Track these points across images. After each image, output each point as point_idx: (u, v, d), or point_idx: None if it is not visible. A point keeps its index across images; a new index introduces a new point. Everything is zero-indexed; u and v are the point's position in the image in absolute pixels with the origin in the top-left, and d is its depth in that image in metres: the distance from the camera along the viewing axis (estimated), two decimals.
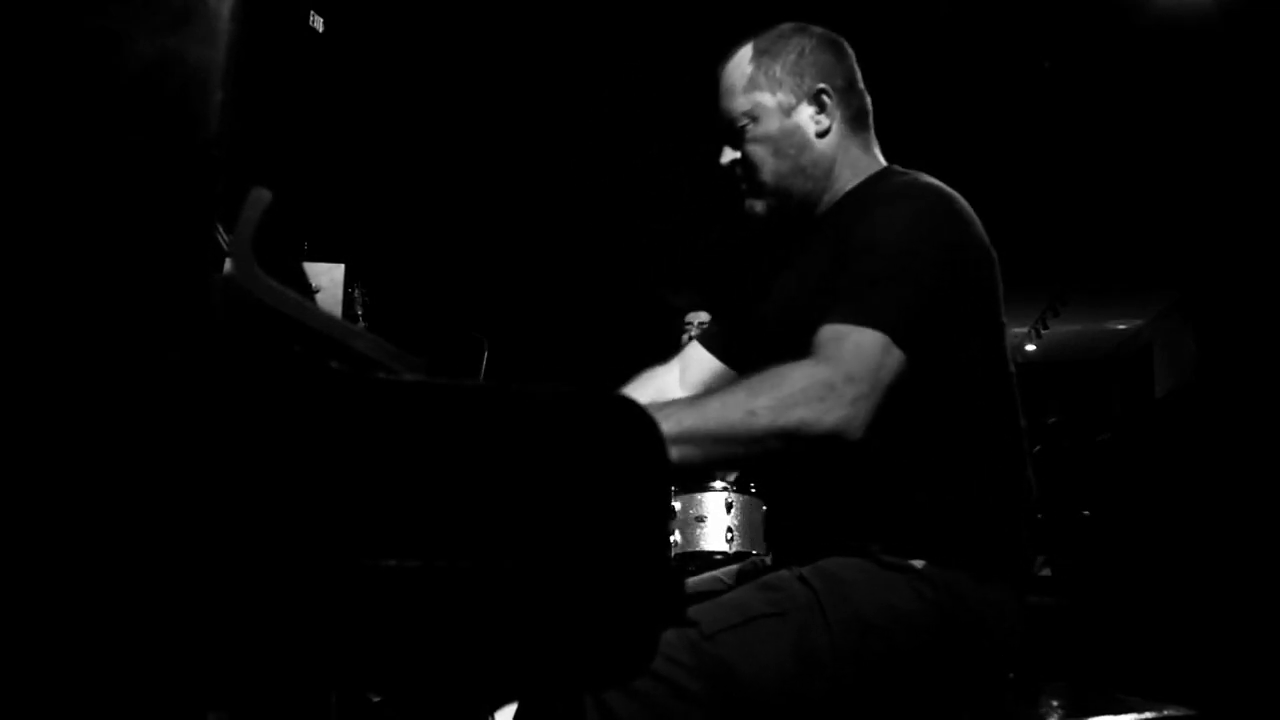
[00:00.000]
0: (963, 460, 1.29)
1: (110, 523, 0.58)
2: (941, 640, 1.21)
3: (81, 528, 0.58)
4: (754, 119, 1.42)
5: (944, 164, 1.41)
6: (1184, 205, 5.99)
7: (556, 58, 4.36)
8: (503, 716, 1.86)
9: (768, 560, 1.57)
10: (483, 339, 2.48)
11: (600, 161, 5.27)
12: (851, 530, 1.28)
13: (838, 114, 1.44)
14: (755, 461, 1.15)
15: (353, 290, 2.02)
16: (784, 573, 1.25)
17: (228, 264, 0.82)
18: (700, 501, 2.91)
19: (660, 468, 0.71)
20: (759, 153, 1.42)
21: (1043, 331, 8.63)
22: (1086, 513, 4.77)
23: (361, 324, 2.02)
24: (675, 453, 1.05)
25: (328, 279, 1.96)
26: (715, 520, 2.89)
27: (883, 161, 1.48)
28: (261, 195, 0.81)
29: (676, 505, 2.91)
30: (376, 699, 1.59)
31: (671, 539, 2.89)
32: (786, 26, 1.47)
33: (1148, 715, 1.33)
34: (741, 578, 1.49)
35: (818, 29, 1.48)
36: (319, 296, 1.84)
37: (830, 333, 1.20)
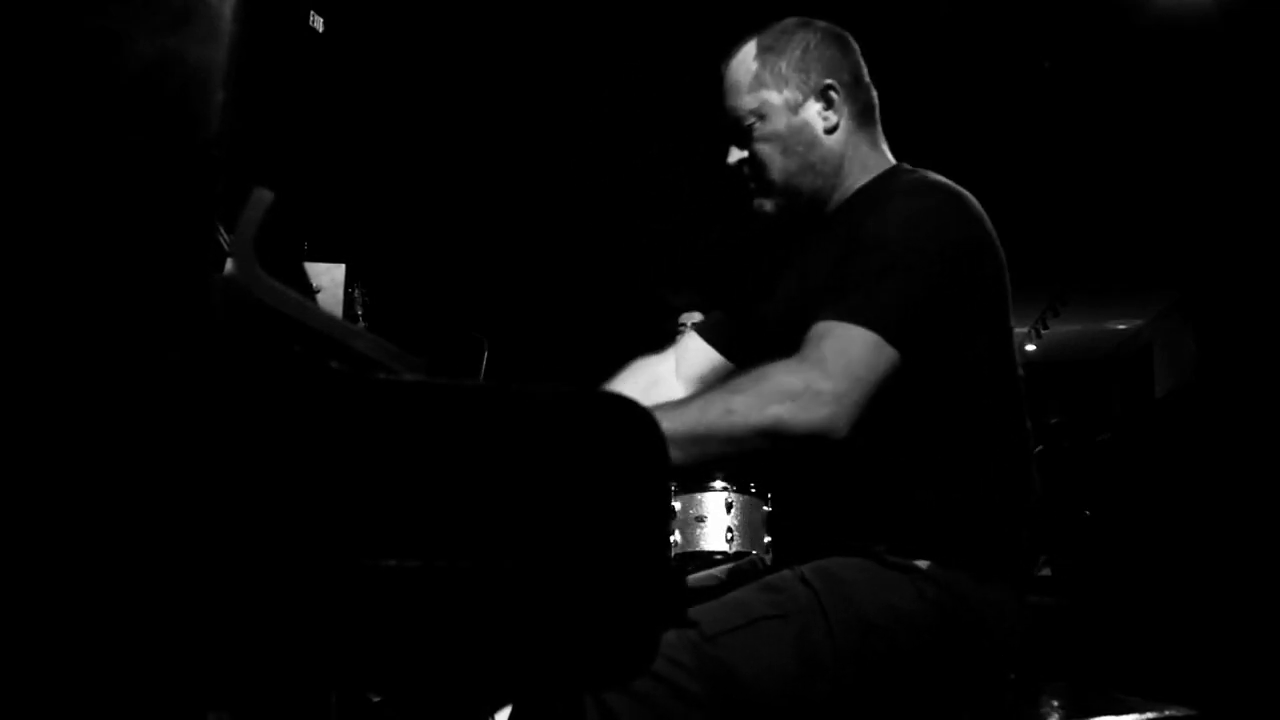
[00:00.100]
0: (967, 460, 1.28)
1: (111, 523, 0.58)
2: (943, 641, 1.21)
3: (82, 528, 0.58)
4: (761, 117, 1.40)
5: (944, 164, 1.41)
6: (1184, 205, 5.98)
7: (556, 58, 4.35)
8: (502, 716, 1.86)
9: (767, 559, 1.57)
10: (483, 339, 2.47)
11: (600, 161, 5.27)
12: (855, 530, 1.28)
13: (845, 109, 1.42)
14: (743, 461, 1.15)
15: (353, 290, 2.02)
16: (786, 573, 1.25)
17: (229, 264, 0.82)
18: (700, 501, 2.90)
19: (660, 468, 0.71)
20: (767, 151, 1.41)
21: (1043, 331, 8.63)
22: (1087, 513, 4.77)
23: (361, 324, 2.01)
24: None
25: (328, 279, 1.96)
26: (715, 520, 2.88)
27: (891, 158, 1.47)
28: (263, 195, 0.81)
29: (676, 505, 2.90)
30: (376, 699, 1.59)
31: (671, 539, 2.89)
32: (790, 22, 1.45)
33: (1149, 715, 1.33)
34: (736, 575, 1.49)
35: (822, 23, 1.46)
36: (319, 296, 1.84)
37: (817, 330, 1.19)
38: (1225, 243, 6.37)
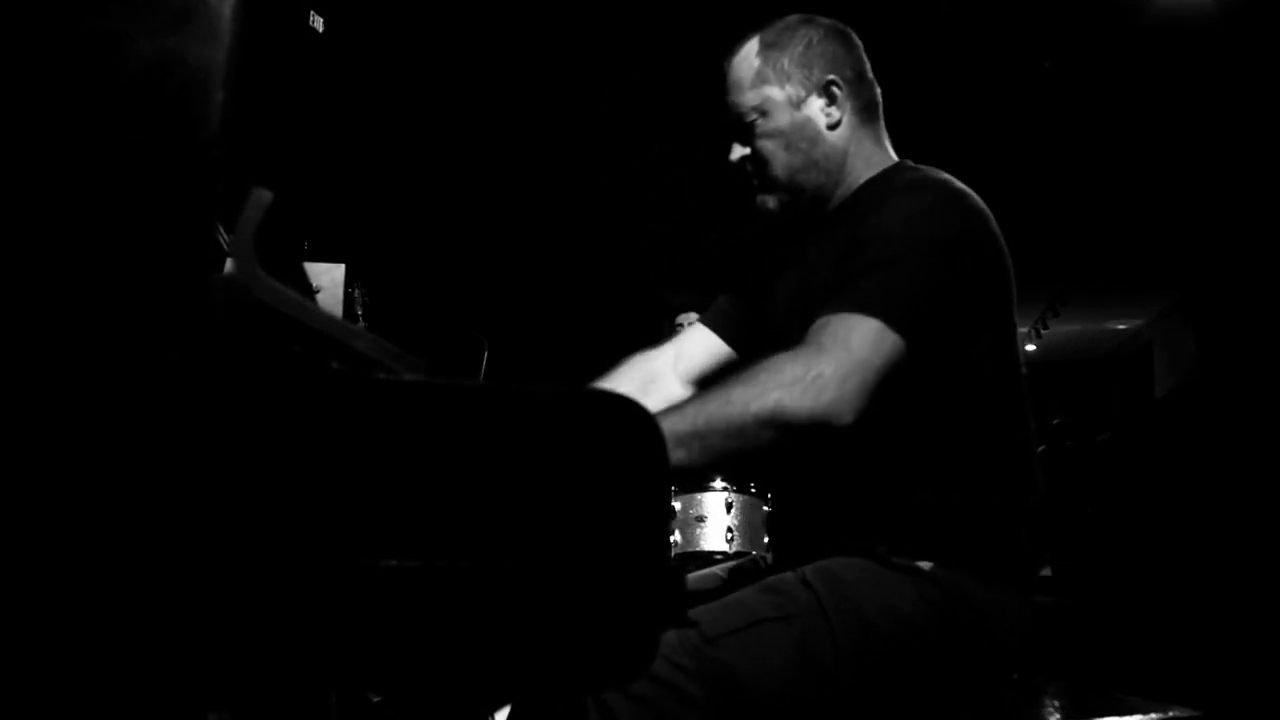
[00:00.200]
0: (970, 459, 1.28)
1: (111, 522, 0.58)
2: (944, 642, 1.21)
3: (82, 527, 0.58)
4: (763, 113, 1.39)
5: (944, 164, 1.41)
6: (1184, 205, 5.98)
7: (556, 58, 4.35)
8: (502, 716, 1.85)
9: (768, 559, 1.57)
10: (483, 339, 2.47)
11: (600, 161, 5.27)
12: (856, 530, 1.27)
13: (848, 105, 1.41)
14: (747, 456, 1.13)
15: (353, 290, 2.02)
16: (787, 575, 1.24)
17: (229, 264, 0.82)
18: (700, 501, 2.90)
19: (660, 467, 0.71)
20: (770, 148, 1.40)
21: (1043, 331, 8.63)
22: (1087, 513, 4.77)
23: (361, 324, 2.01)
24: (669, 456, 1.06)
25: (328, 279, 1.96)
26: (715, 520, 2.88)
27: (894, 155, 1.46)
28: (262, 195, 0.81)
29: (676, 505, 2.90)
30: (376, 699, 1.59)
31: (671, 539, 2.89)
32: (792, 18, 1.45)
33: (1150, 716, 1.33)
34: (737, 574, 1.49)
35: (824, 20, 1.46)
36: (319, 296, 1.84)
37: (820, 322, 1.18)
38: (1225, 243, 6.37)
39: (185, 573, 0.59)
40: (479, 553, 0.64)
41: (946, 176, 1.35)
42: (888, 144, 1.47)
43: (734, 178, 1.45)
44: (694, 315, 3.86)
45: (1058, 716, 1.42)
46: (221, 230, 0.89)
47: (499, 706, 1.82)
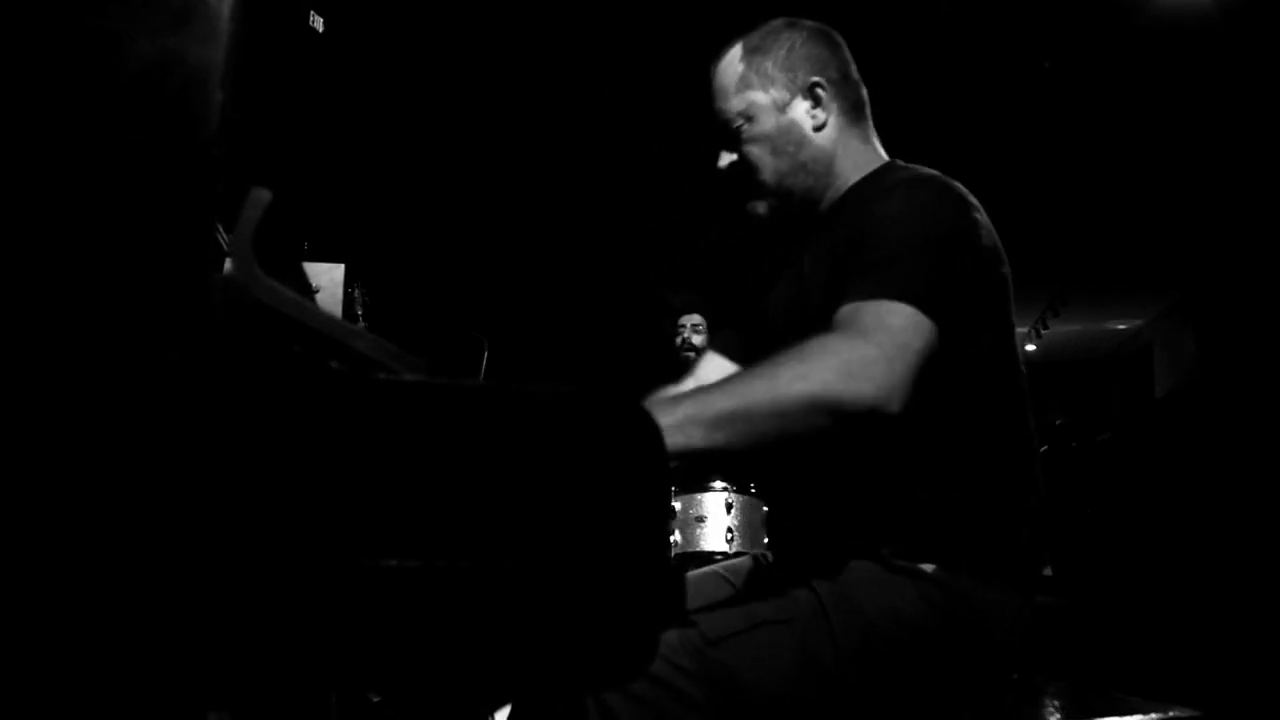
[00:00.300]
0: (971, 459, 1.27)
1: (110, 522, 0.58)
2: (946, 645, 1.21)
3: (82, 527, 0.58)
4: (749, 119, 1.39)
5: (944, 164, 1.40)
6: (1184, 205, 5.99)
7: (556, 58, 4.36)
8: (502, 716, 1.86)
9: (768, 556, 1.56)
10: (483, 339, 2.48)
11: (600, 161, 5.27)
12: (858, 531, 1.27)
13: (834, 106, 1.41)
14: (789, 442, 1.07)
15: (353, 290, 2.02)
16: (789, 577, 1.24)
17: (228, 264, 0.82)
18: (700, 501, 2.91)
19: (660, 467, 0.71)
20: (757, 153, 1.39)
21: (1043, 331, 8.63)
22: (1087, 513, 4.77)
23: (361, 324, 2.02)
24: (706, 437, 1.02)
25: (328, 279, 1.96)
26: (715, 520, 2.89)
27: (884, 154, 1.45)
28: (261, 195, 0.81)
29: (676, 505, 2.91)
30: (376, 699, 1.59)
31: (671, 539, 2.89)
32: (776, 22, 1.44)
33: (1150, 716, 1.33)
34: (738, 573, 1.49)
35: (808, 22, 1.45)
36: (319, 296, 1.85)
37: (853, 308, 1.14)
38: (1225, 243, 6.38)
39: (185, 573, 0.59)
40: (479, 553, 0.64)
41: (937, 173, 1.34)
42: (877, 143, 1.46)
43: (723, 185, 1.44)
44: (697, 316, 3.85)
45: (1058, 716, 1.42)
46: (221, 230, 0.89)
47: (499, 706, 1.82)
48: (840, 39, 1.47)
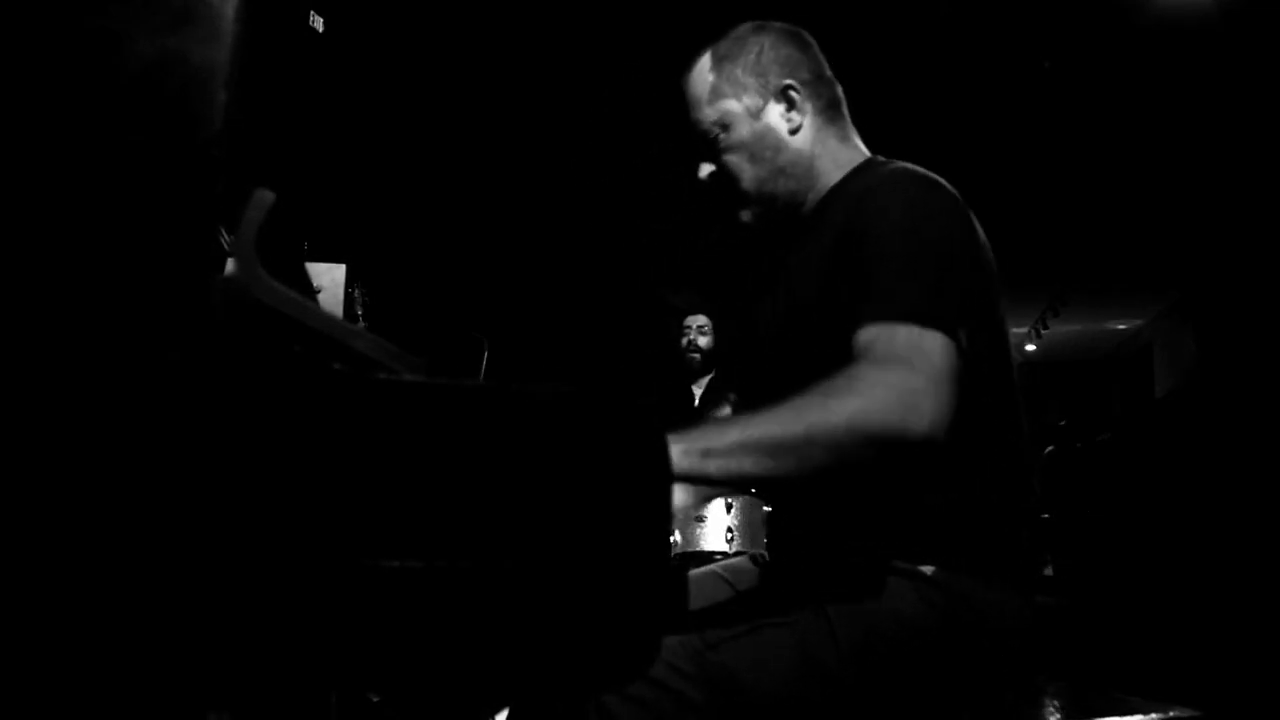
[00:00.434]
0: (969, 460, 1.27)
1: (111, 522, 0.58)
2: (947, 646, 1.21)
3: (82, 527, 0.58)
4: (724, 128, 1.38)
5: (944, 164, 1.40)
6: (1184, 205, 5.99)
7: (556, 58, 4.36)
8: (503, 718, 1.85)
9: (765, 555, 1.56)
10: (483, 339, 2.47)
11: (600, 161, 5.27)
12: (858, 533, 1.27)
13: (809, 107, 1.39)
14: (839, 473, 1.06)
15: (353, 290, 2.02)
16: (788, 579, 1.24)
17: (229, 264, 0.82)
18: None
19: (661, 468, 0.71)
20: (735, 161, 1.38)
21: (1043, 331, 8.64)
22: (1087, 513, 4.77)
23: (361, 324, 2.02)
24: (757, 465, 1.02)
25: (328, 279, 1.96)
26: (715, 520, 2.89)
27: (864, 151, 1.44)
28: (264, 196, 0.81)
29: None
30: (376, 699, 1.59)
31: (671, 539, 2.89)
32: (744, 27, 1.43)
33: (1151, 716, 1.33)
34: (737, 572, 1.48)
35: (776, 24, 1.44)
36: (320, 296, 1.84)
37: (886, 332, 1.12)
38: (1225, 243, 6.38)
39: (186, 573, 0.59)
40: (479, 553, 0.64)
41: (919, 169, 1.32)
42: (857, 140, 1.45)
43: (706, 196, 1.44)
44: (703, 318, 3.84)
45: (1058, 716, 1.41)
46: (222, 230, 0.89)
47: (499, 707, 1.82)
48: (810, 38, 1.45)
